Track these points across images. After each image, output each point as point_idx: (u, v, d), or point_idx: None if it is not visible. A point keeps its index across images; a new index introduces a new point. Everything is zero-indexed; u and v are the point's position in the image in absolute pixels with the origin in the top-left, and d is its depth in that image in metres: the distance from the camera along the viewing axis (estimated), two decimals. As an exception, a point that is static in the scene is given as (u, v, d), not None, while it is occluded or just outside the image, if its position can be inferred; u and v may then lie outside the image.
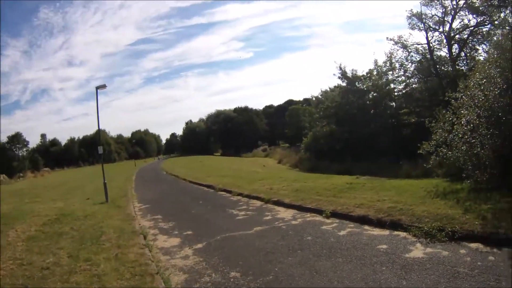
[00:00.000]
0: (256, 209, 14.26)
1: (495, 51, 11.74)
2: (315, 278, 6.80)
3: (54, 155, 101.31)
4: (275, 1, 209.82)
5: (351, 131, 34.33)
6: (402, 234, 8.89)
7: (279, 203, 14.37)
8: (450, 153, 12.25)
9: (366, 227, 9.90)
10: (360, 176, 19.45)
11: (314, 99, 51.44)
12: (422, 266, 6.76)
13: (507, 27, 12.30)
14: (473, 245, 7.49)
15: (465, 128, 11.74)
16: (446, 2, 33.09)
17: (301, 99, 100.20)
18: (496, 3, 29.82)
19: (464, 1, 32.13)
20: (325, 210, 11.81)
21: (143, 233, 11.39)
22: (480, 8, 30.72)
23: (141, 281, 7.02)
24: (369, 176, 19.41)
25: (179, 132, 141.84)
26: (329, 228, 10.25)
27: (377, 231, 9.42)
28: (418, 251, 7.65)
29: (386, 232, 9.26)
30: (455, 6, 32.72)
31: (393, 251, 7.78)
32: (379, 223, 9.84)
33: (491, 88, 11.07)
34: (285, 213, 12.77)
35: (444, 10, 33.32)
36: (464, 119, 11.87)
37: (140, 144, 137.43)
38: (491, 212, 8.64)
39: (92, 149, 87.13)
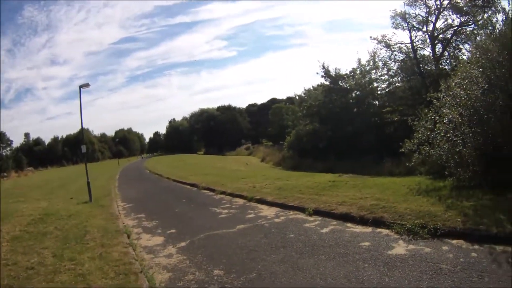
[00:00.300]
0: (239, 207, 14.25)
1: (477, 52, 11.86)
2: (298, 275, 6.79)
3: (38, 154, 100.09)
4: (259, 0, 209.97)
5: (334, 129, 34.52)
6: (385, 231, 8.94)
7: (262, 201, 14.38)
8: (432, 151, 12.40)
9: (349, 224, 9.94)
10: (343, 174, 19.61)
11: (297, 97, 51.74)
12: (405, 263, 6.80)
13: (490, 28, 12.46)
14: (456, 241, 7.56)
15: (448, 126, 11.90)
16: (430, 2, 33.50)
17: (285, 97, 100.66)
18: (480, 3, 30.30)
19: (448, 1, 32.53)
20: (307, 208, 11.84)
21: (127, 232, 11.29)
22: (464, 8, 31.15)
23: (125, 280, 6.96)
24: (351, 174, 19.59)
25: (163, 131, 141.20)
26: (312, 225, 10.27)
27: (359, 229, 9.46)
28: (400, 248, 7.69)
29: (369, 229, 9.30)
30: (439, 6, 33.10)
31: (375, 248, 7.82)
32: (362, 221, 9.89)
33: (474, 88, 11.22)
34: (268, 211, 12.77)
35: (428, 10, 33.69)
36: (446, 118, 12.02)
37: (124, 143, 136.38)
38: (473, 209, 8.76)
39: (76, 148, 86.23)
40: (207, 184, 21.29)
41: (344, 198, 12.14)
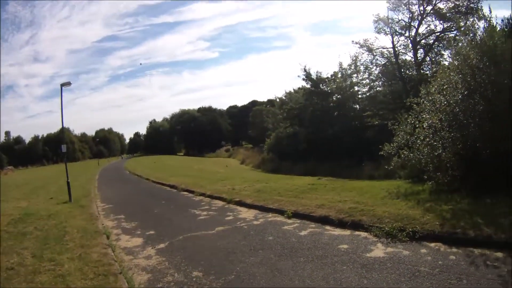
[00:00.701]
0: (218, 209, 14.24)
1: (458, 58, 12.08)
2: (277, 278, 6.80)
3: (18, 153, 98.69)
4: (243, 1, 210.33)
5: (314, 132, 34.64)
6: (363, 234, 9.03)
7: (241, 204, 14.41)
8: (411, 155, 12.58)
9: (328, 227, 9.99)
10: (322, 177, 19.70)
11: (278, 100, 51.78)
12: (383, 265, 6.85)
13: (471, 35, 12.71)
14: (434, 244, 7.67)
15: (427, 131, 12.12)
16: (414, 7, 33.86)
17: (265, 100, 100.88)
18: (464, 10, 30.91)
19: (431, 7, 33.00)
20: (286, 210, 11.90)
21: (106, 233, 11.21)
22: (447, 15, 31.67)
23: (105, 281, 6.93)
24: (331, 177, 19.66)
25: (143, 131, 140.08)
26: (291, 228, 10.30)
27: (338, 231, 9.52)
28: (379, 250, 7.76)
29: (347, 232, 9.37)
30: (422, 12, 33.53)
31: (354, 251, 7.87)
32: (340, 224, 9.96)
33: (454, 93, 11.45)
34: (247, 213, 12.80)
35: (411, 15, 34.06)
36: (426, 123, 12.24)
37: (104, 143, 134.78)
38: (451, 213, 8.91)
39: (56, 148, 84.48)
40: (187, 185, 21.26)
41: (323, 201, 12.22)
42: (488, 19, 12.89)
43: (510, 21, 16.36)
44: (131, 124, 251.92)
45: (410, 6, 33.78)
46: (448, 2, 32.38)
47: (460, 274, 6.11)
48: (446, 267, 6.45)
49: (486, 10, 20.96)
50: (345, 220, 9.98)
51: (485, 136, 10.37)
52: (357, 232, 9.21)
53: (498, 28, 12.71)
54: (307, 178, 20.14)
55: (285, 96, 48.04)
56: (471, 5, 30.88)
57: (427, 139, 12.02)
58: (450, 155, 11.29)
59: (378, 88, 36.87)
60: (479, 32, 13.15)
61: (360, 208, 10.64)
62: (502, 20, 15.94)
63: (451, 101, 11.35)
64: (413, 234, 8.18)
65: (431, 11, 33.06)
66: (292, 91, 46.52)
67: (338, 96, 36.69)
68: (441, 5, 32.84)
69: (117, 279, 6.99)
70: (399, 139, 13.44)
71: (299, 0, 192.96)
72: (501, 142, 10.08)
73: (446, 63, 21.12)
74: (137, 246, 9.91)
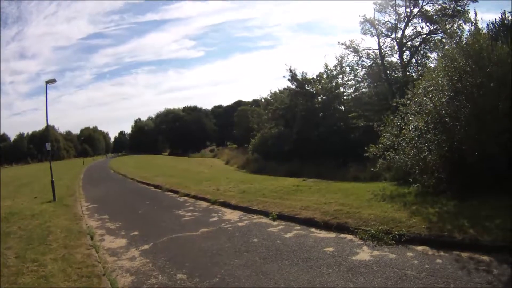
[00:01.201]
0: (202, 210, 14.21)
1: (445, 60, 12.20)
2: (262, 281, 6.78)
3: (3, 151, 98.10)
4: (230, 0, 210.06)
5: (299, 133, 34.77)
6: (349, 237, 9.03)
7: (225, 205, 14.37)
8: (397, 157, 12.64)
9: (313, 229, 9.97)
10: (307, 179, 19.73)
11: (263, 100, 51.74)
12: (369, 269, 6.85)
13: (457, 37, 12.84)
14: (420, 248, 7.69)
15: (413, 133, 12.21)
16: (400, 9, 34.36)
17: (250, 100, 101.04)
18: (450, 12, 31.34)
19: (418, 9, 33.48)
20: (271, 212, 11.88)
21: (90, 233, 11.19)
22: (434, 17, 32.18)
23: (88, 282, 6.97)
24: (316, 179, 19.72)
25: (128, 130, 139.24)
26: (276, 230, 10.28)
27: (323, 234, 9.51)
28: (365, 253, 7.76)
29: (333, 234, 9.36)
30: (408, 14, 34.00)
31: (339, 254, 7.86)
32: (326, 226, 9.94)
33: (440, 95, 11.56)
34: (232, 215, 12.76)
35: (397, 17, 34.52)
36: (412, 125, 12.35)
37: (89, 142, 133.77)
38: (437, 216, 8.97)
39: (41, 146, 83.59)
40: (171, 185, 21.20)
41: (308, 203, 12.22)
42: (474, 22, 13.04)
43: (495, 25, 16.64)
44: (116, 123, 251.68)
45: (396, 8, 34.28)
46: (435, 4, 32.96)
47: (447, 278, 6.13)
48: (433, 270, 6.47)
49: (472, 14, 21.34)
50: (330, 222, 9.96)
51: (471, 139, 10.47)
52: (342, 235, 9.20)
53: (484, 32, 12.84)
54: (291, 179, 20.17)
55: (270, 96, 48.01)
56: (458, 7, 31.44)
57: (413, 141, 12.11)
58: (436, 157, 11.38)
59: (363, 90, 37.35)
60: (465, 35, 13.29)
61: (346, 210, 10.65)
62: (487, 25, 16.22)
63: (437, 103, 11.45)
64: (400, 237, 8.19)
65: (418, 13, 33.57)
66: (277, 91, 46.53)
67: (324, 97, 36.90)
68: (428, 8, 33.46)
69: (100, 281, 7.00)
70: (384, 140, 13.50)
71: (285, 0, 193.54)
72: (487, 145, 10.20)
73: (432, 65, 21.41)
74: (121, 247, 9.86)
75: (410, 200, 10.87)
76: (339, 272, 6.82)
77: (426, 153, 11.62)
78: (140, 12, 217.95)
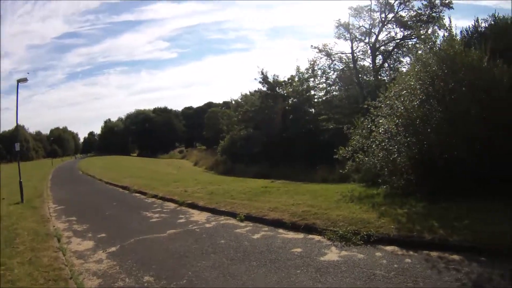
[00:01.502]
0: (170, 211, 14.10)
1: (418, 64, 12.43)
2: (229, 282, 6.70)
3: None
4: (205, 2, 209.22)
5: (269, 135, 34.88)
6: (317, 237, 9.02)
7: (193, 206, 14.28)
8: (366, 159, 12.81)
9: (281, 230, 9.93)
10: (276, 180, 19.87)
11: (233, 102, 51.72)
12: (338, 269, 6.84)
13: (431, 43, 13.12)
14: (389, 248, 7.73)
15: (383, 136, 12.37)
16: (375, 14, 35.14)
17: (221, 102, 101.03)
18: (425, 19, 32.06)
19: (393, 14, 34.16)
20: (239, 213, 11.82)
21: (57, 235, 10.91)
22: (409, 23, 32.96)
23: (55, 286, 6.87)
24: (284, 180, 19.90)
25: (98, 131, 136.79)
26: (243, 231, 10.22)
27: (291, 235, 9.49)
28: (333, 254, 7.76)
29: (301, 235, 9.34)
30: (383, 19, 34.76)
31: (307, 255, 7.84)
32: (294, 227, 9.92)
33: (412, 99, 11.74)
34: (199, 216, 12.67)
35: (372, 22, 35.22)
36: (382, 128, 12.49)
37: (58, 142, 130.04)
38: (406, 216, 9.08)
39: (11, 146, 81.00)
40: (139, 187, 21.04)
41: (276, 204, 12.22)
42: (448, 28, 13.30)
43: (469, 31, 17.06)
44: (86, 123, 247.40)
45: (372, 13, 34.91)
46: (411, 10, 33.78)
47: (416, 277, 6.17)
48: (402, 270, 6.51)
49: (447, 20, 21.88)
50: (298, 223, 9.96)
51: (442, 142, 10.66)
52: (310, 236, 9.19)
53: (458, 38, 13.12)
54: (260, 181, 20.27)
55: (241, 99, 48.07)
56: (433, 14, 32.24)
57: (383, 143, 12.26)
58: (406, 159, 11.56)
59: (334, 93, 37.73)
60: (439, 41, 13.57)
61: (314, 211, 10.68)
62: (461, 32, 16.62)
63: (408, 107, 11.63)
64: (368, 238, 8.23)
65: (392, 19, 34.26)
66: (248, 93, 46.62)
67: (294, 100, 37.14)
68: (403, 13, 34.31)
69: (67, 284, 6.88)
70: (354, 142, 13.65)
71: (260, 1, 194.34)
72: (457, 148, 10.38)
73: (405, 69, 21.82)
74: (88, 249, 9.65)
75: (379, 201, 10.99)
76: (307, 273, 6.77)
77: (396, 155, 11.78)
78: (116, 12, 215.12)
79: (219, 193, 15.89)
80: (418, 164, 11.36)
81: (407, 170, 11.65)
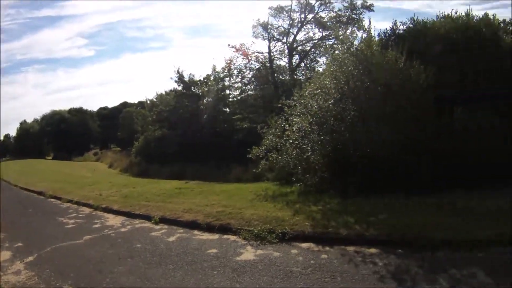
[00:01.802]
0: (85, 216, 13.44)
1: (334, 64, 12.87)
2: (147, 286, 6.57)
3: None
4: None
5: (183, 135, 34.43)
6: (232, 237, 9.03)
7: (108, 210, 13.75)
8: (280, 157, 13.04)
9: (196, 232, 9.83)
10: (190, 181, 19.76)
11: (148, 102, 50.46)
12: (254, 268, 6.88)
13: (349, 43, 13.64)
14: (305, 245, 7.89)
15: (297, 134, 12.66)
16: (295, 15, 35.81)
17: (137, 101, 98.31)
18: (345, 20, 33.29)
19: (313, 15, 35.12)
20: (153, 216, 11.54)
21: None
22: (328, 23, 33.98)
23: None
24: (199, 181, 19.81)
25: (14, 133, 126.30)
26: (158, 234, 10.01)
27: (206, 236, 9.42)
28: (249, 253, 7.79)
29: (216, 236, 9.30)
30: (302, 19, 35.57)
31: (223, 255, 7.82)
32: (209, 228, 9.86)
33: (326, 98, 12.12)
34: (114, 220, 12.23)
35: (291, 22, 35.86)
36: (296, 126, 12.79)
37: None
38: (321, 213, 9.35)
39: None
40: (54, 191, 19.75)
41: (191, 205, 12.10)
42: (367, 30, 13.87)
43: (387, 33, 17.94)
44: (4, 125, 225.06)
45: (292, 13, 35.50)
46: (331, 11, 34.90)
47: (333, 272, 6.34)
48: (319, 266, 6.67)
49: (366, 22, 22.95)
50: (213, 224, 9.92)
51: (355, 140, 11.10)
52: (225, 236, 9.19)
53: (376, 39, 13.74)
54: (174, 182, 20.04)
55: (156, 98, 46.96)
56: (353, 15, 33.61)
57: (296, 142, 12.54)
58: (319, 157, 11.90)
59: (249, 92, 37.98)
60: (356, 42, 14.15)
61: (228, 211, 10.70)
62: (379, 34, 17.45)
63: (323, 105, 11.99)
64: (283, 236, 8.35)
65: (312, 19, 35.15)
66: (164, 93, 45.70)
67: (209, 99, 36.97)
68: (323, 14, 35.35)
69: None
70: (267, 142, 13.89)
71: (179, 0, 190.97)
72: (371, 145, 10.86)
73: (321, 69, 22.52)
74: (6, 260, 8.89)
75: (293, 199, 11.24)
76: (224, 273, 6.75)
77: (310, 153, 12.07)
78: (37, 7, 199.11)
79: (134, 195, 15.49)
80: (331, 162, 11.73)
81: (320, 168, 12.00)
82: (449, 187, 10.37)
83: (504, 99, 12.80)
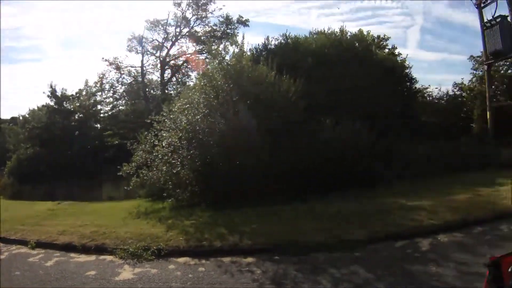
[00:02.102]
0: None
1: (204, 78, 13.32)
2: None
3: None
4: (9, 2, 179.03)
5: (55, 153, 32.52)
6: (109, 257, 8.98)
7: (-18, 238, 12.52)
8: (151, 173, 13.09)
9: (72, 254, 9.57)
10: (62, 201, 18.83)
11: (21, 118, 46.40)
12: (134, 286, 7.01)
13: (220, 58, 14.17)
14: (181, 259, 8.17)
15: (167, 149, 12.84)
16: (170, 28, 35.42)
17: (9, 117, 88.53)
18: (219, 35, 33.82)
19: (188, 29, 35.13)
20: (29, 240, 10.91)
21: None
22: (202, 38, 33.95)
23: None
24: (71, 201, 18.99)
25: None
26: (36, 259, 9.55)
27: (83, 258, 9.24)
28: (127, 272, 7.86)
29: (93, 257, 9.17)
30: (177, 34, 35.35)
31: (102, 276, 7.78)
32: (85, 249, 9.68)
33: (195, 112, 12.47)
34: (-9, 248, 11.30)
35: (166, 36, 35.43)
36: (165, 141, 12.96)
37: None
38: (194, 227, 9.73)
39: None
40: None
41: (65, 227, 11.72)
42: (240, 45, 14.52)
43: (258, 49, 18.84)
44: None
45: (167, 27, 35.18)
46: (206, 26, 35.24)
47: (213, 283, 6.69)
48: (198, 279, 6.97)
49: (240, 37, 23.83)
50: (88, 245, 9.77)
51: (223, 153, 11.69)
52: (102, 256, 9.10)
53: (248, 54, 14.43)
54: (48, 203, 18.94)
55: (28, 114, 43.40)
56: (228, 30, 34.29)
57: (166, 157, 12.72)
58: (189, 171, 12.23)
59: (121, 107, 36.95)
60: (228, 56, 14.59)
61: (102, 231, 10.60)
62: (251, 49, 18.27)
63: (192, 120, 12.32)
64: (159, 252, 8.52)
65: (187, 33, 35.11)
66: (36, 108, 42.46)
67: (80, 115, 35.40)
68: (198, 29, 35.47)
69: None
70: (137, 158, 13.81)
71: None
72: (240, 159, 11.53)
73: (192, 83, 22.93)
74: None
75: (165, 214, 11.46)
76: (104, 295, 6.67)
77: (179, 168, 12.32)
78: None
79: (7, 219, 14.32)
80: (201, 175, 12.10)
81: (191, 182, 12.29)
82: (313, 193, 11.51)
83: (368, 111, 14.52)
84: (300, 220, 9.57)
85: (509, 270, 2.83)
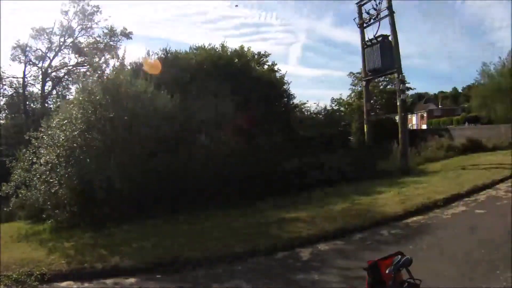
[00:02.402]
0: None
1: (83, 93, 12.83)
2: None
3: None
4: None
5: None
6: (-7, 285, 8.38)
7: None
8: (29, 193, 12.36)
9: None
10: None
11: None
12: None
13: (100, 72, 13.78)
14: (64, 284, 7.86)
15: (45, 167, 12.20)
16: (55, 38, 33.38)
17: None
18: (102, 47, 32.60)
19: (72, 39, 33.40)
20: None
21: None
22: (85, 49, 32.52)
23: None
24: None
25: None
26: None
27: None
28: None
29: (-26, 287, 8.51)
30: (61, 43, 33.40)
31: None
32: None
33: (73, 128, 12.01)
34: None
35: (49, 45, 33.35)
36: (43, 159, 12.30)
37: None
38: (75, 249, 9.35)
39: None
40: None
41: None
42: (120, 58, 14.24)
43: (138, 63, 18.62)
44: None
45: (52, 36, 33.23)
46: (90, 37, 33.79)
47: None
48: None
49: (122, 50, 23.20)
50: (-32, 274, 9.00)
51: (99, 171, 11.35)
52: (-15, 285, 8.48)
53: (128, 68, 14.20)
54: None
55: None
56: (111, 43, 33.28)
57: (44, 176, 12.11)
58: (67, 191, 11.72)
59: (1, 121, 34.20)
60: (108, 70, 14.37)
61: (-21, 258, 9.77)
62: (131, 63, 17.96)
63: (70, 136, 11.88)
64: (42, 277, 7.92)
65: (70, 44, 33.43)
66: None
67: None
68: (82, 39, 33.94)
69: None
70: (15, 177, 12.92)
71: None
72: (112, 176, 11.31)
73: (72, 97, 22.02)
74: None
75: (46, 237, 10.92)
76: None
77: (58, 187, 11.79)
78: None
79: None
80: (79, 195, 11.68)
81: (69, 201, 11.81)
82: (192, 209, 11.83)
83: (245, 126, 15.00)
84: (179, 236, 9.63)
85: (387, 271, 3.17)
